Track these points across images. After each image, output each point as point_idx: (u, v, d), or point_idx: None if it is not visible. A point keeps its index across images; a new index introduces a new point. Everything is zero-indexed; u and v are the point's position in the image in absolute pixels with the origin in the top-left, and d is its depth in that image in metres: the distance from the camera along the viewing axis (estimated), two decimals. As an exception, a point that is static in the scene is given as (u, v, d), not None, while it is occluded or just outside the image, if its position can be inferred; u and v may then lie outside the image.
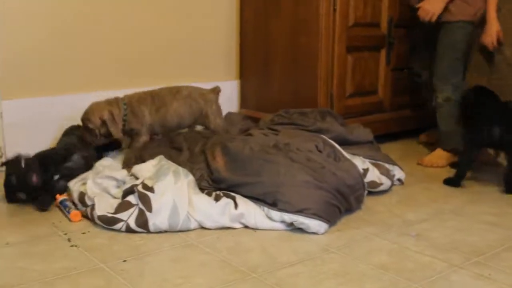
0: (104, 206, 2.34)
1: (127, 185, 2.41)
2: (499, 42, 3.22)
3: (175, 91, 3.04)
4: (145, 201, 2.29)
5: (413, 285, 1.91)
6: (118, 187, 2.49)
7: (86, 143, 2.85)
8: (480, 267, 2.05)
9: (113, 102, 2.89)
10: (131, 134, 2.96)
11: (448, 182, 2.94)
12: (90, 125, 2.82)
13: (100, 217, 2.30)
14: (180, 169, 2.49)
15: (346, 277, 1.95)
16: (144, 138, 2.96)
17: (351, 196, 2.50)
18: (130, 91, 3.30)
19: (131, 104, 2.92)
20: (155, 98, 2.98)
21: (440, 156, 3.25)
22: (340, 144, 2.80)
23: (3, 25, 2.95)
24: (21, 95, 3.05)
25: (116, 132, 2.85)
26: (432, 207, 2.64)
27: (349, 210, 2.52)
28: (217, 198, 2.38)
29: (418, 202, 2.71)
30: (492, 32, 3.19)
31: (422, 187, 2.92)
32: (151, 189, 2.32)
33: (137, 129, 2.93)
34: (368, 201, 2.67)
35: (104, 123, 2.82)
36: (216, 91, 3.16)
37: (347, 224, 2.42)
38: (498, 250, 2.20)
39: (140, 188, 2.33)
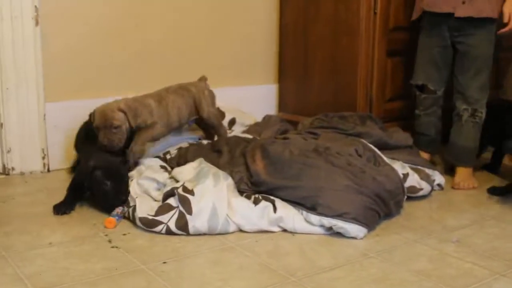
0: (145, 208, 2.36)
1: (168, 188, 2.43)
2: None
3: (165, 88, 3.00)
4: (185, 203, 2.31)
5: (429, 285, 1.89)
6: (159, 189, 2.52)
7: (112, 148, 2.67)
8: (524, 275, 2.02)
9: (114, 101, 2.77)
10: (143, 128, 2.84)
11: (494, 191, 2.85)
12: (116, 122, 2.66)
13: (141, 219, 2.32)
14: (220, 172, 2.51)
15: (386, 283, 1.94)
16: (158, 126, 2.85)
17: (390, 201, 2.48)
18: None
19: (135, 99, 2.83)
20: (153, 95, 2.92)
21: (469, 175, 3.03)
22: (380, 149, 2.78)
23: (47, 26, 3.00)
24: (64, 98, 3.10)
25: (134, 121, 2.73)
26: (473, 213, 2.60)
27: (389, 215, 2.50)
28: (256, 201, 2.38)
29: (459, 207, 2.67)
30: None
31: (462, 192, 2.89)
32: (191, 192, 2.35)
33: (150, 121, 2.81)
34: (408, 206, 2.65)
35: (125, 113, 2.69)
36: (203, 79, 3.15)
37: (386, 229, 2.40)
38: (542, 258, 2.16)
39: (180, 190, 2.35)
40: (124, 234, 2.29)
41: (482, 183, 3.01)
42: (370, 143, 2.80)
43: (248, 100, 3.65)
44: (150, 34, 3.32)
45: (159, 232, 2.29)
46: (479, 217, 2.56)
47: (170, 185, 2.47)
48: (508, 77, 3.34)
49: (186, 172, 2.53)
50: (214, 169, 2.52)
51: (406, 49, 3.34)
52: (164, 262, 2.05)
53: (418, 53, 3.09)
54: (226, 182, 2.44)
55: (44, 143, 3.07)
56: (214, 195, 2.35)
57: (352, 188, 2.38)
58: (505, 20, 2.87)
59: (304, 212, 2.35)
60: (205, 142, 3.08)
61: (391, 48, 3.33)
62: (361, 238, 2.29)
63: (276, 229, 2.34)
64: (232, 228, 2.33)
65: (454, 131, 3.06)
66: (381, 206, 2.43)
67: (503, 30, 2.90)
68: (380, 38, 3.27)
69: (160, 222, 2.30)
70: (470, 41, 2.93)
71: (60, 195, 2.58)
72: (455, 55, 3.01)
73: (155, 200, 2.45)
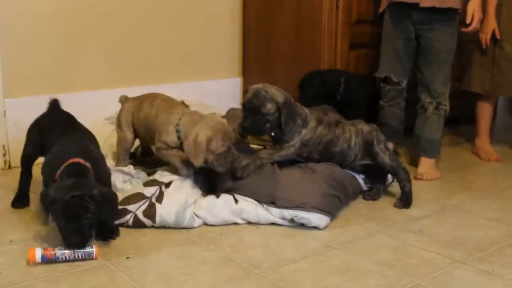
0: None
1: (140, 178, 2.45)
2: (495, 39, 3.22)
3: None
4: (160, 194, 2.33)
5: (416, 281, 1.92)
6: (125, 181, 2.49)
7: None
8: (483, 263, 2.05)
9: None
10: None
11: None
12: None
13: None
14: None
15: (349, 274, 1.96)
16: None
17: (349, 186, 2.52)
18: (131, 89, 3.29)
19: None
20: None
21: (432, 166, 3.07)
22: None
23: (5, 24, 2.95)
24: (24, 94, 3.05)
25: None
26: (435, 203, 2.63)
27: (350, 197, 2.54)
28: (217, 196, 2.39)
29: (421, 198, 2.70)
30: (487, 30, 3.20)
31: (425, 183, 2.92)
32: (168, 185, 2.37)
33: None
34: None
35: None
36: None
37: (349, 220, 2.42)
38: (501, 246, 2.20)
39: (163, 187, 2.37)
40: (87, 230, 2.26)
41: (444, 174, 3.05)
42: None
43: (212, 94, 3.64)
44: (112, 29, 3.29)
45: (125, 224, 2.27)
46: (441, 208, 2.60)
47: (137, 176, 2.48)
48: (471, 69, 3.39)
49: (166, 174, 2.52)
50: None
51: (369, 42, 3.37)
52: (128, 257, 2.04)
53: (382, 45, 3.12)
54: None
55: (5, 139, 3.03)
56: (188, 193, 2.37)
57: (306, 178, 2.40)
58: (468, 20, 2.94)
59: (265, 205, 2.35)
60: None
61: (354, 41, 3.35)
62: (324, 228, 2.31)
63: (239, 220, 2.35)
64: (197, 223, 2.33)
65: (419, 124, 3.09)
66: (340, 189, 2.45)
67: (466, 30, 2.97)
68: (342, 31, 3.28)
69: (128, 211, 2.29)
70: (434, 35, 2.97)
71: (21, 192, 2.54)
72: (419, 49, 3.05)
73: (122, 192, 2.43)
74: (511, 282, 1.92)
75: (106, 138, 2.95)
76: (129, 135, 2.62)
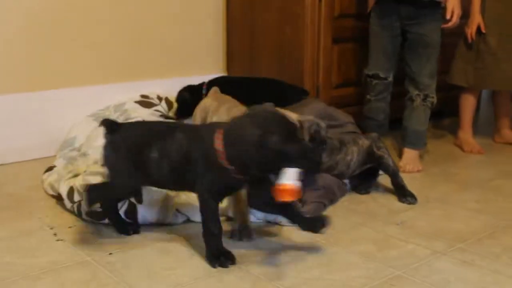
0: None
1: None
2: (480, 33, 3.26)
3: None
4: (137, 193, 2.31)
5: (396, 272, 1.93)
6: None
7: None
8: (463, 254, 2.07)
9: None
10: None
11: None
12: None
13: (88, 212, 2.30)
14: None
15: (331, 266, 1.97)
16: None
17: (335, 187, 2.53)
18: (115, 86, 3.32)
19: None
20: None
21: (416, 158, 3.11)
22: (324, 117, 2.81)
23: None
24: (3, 91, 3.04)
25: None
26: (418, 195, 2.64)
27: (335, 201, 2.55)
28: None
29: (404, 191, 2.72)
30: (472, 24, 3.24)
31: (407, 175, 2.92)
32: None
33: None
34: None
35: None
36: None
37: (332, 213, 2.42)
38: (481, 236, 2.22)
39: None
40: (70, 227, 2.27)
41: (427, 166, 3.08)
42: (315, 113, 2.83)
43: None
44: (94, 25, 3.28)
45: (108, 223, 2.27)
46: (423, 200, 2.61)
47: None
48: (455, 62, 3.42)
49: None
50: None
51: (352, 36, 3.39)
52: (110, 253, 2.04)
53: (370, 43, 3.14)
54: None
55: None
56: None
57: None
58: (448, 15, 2.97)
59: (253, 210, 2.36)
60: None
61: (337, 35, 3.36)
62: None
63: (223, 217, 2.35)
64: (181, 219, 2.33)
65: (407, 115, 3.15)
66: (327, 196, 2.47)
67: (446, 25, 3.00)
68: (325, 26, 3.30)
69: (108, 214, 2.29)
70: (421, 30, 3.00)
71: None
72: (405, 43, 3.08)
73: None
74: (489, 272, 1.94)
75: (89, 136, 2.96)
76: None
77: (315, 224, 2.04)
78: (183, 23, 3.62)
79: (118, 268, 1.94)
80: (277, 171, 1.85)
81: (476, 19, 3.25)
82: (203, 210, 1.98)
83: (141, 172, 2.02)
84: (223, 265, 1.95)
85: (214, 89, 2.85)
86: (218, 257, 1.96)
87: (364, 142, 2.65)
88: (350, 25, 3.40)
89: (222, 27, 3.78)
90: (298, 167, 1.84)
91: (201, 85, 3.21)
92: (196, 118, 2.68)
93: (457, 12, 2.98)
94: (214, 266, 1.95)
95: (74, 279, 1.86)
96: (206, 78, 3.28)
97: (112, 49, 3.36)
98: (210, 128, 2.00)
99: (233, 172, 1.89)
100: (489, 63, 3.29)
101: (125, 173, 2.05)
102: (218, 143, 1.89)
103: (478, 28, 3.26)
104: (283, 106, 2.37)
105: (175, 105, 3.29)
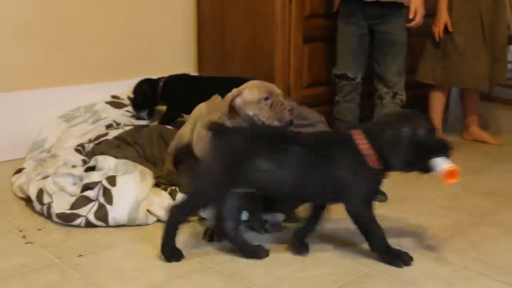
0: (62, 204, 2.32)
1: (86, 180, 2.40)
2: (447, 32, 3.30)
3: None
4: (106, 194, 2.31)
5: (367, 269, 1.95)
6: (75, 184, 2.47)
7: None
8: (433, 250, 2.09)
9: None
10: None
11: None
12: None
13: (58, 215, 2.28)
14: (147, 170, 2.52)
15: (302, 265, 1.98)
16: None
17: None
18: (85, 87, 3.29)
19: None
20: None
21: None
22: (296, 118, 2.83)
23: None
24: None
25: None
26: (389, 193, 2.66)
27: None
28: (172, 193, 2.40)
29: (375, 188, 2.74)
30: (440, 23, 3.27)
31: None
32: (113, 183, 2.34)
33: None
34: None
35: None
36: None
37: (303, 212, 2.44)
38: (450, 233, 2.25)
39: (105, 182, 2.34)
40: (39, 229, 2.25)
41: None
42: None
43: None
44: (63, 25, 3.24)
45: (78, 225, 2.25)
46: (395, 197, 2.63)
47: (87, 177, 2.44)
48: (422, 60, 3.46)
49: (110, 160, 2.51)
50: (141, 166, 2.53)
51: (323, 35, 3.39)
52: (80, 255, 2.03)
53: (338, 43, 3.16)
54: (152, 180, 2.46)
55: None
56: (138, 189, 2.35)
57: None
58: (411, 15, 3.01)
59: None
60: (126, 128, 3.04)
61: (307, 35, 3.37)
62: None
63: (194, 217, 2.34)
64: (151, 220, 2.32)
65: (377, 114, 3.16)
66: None
67: (410, 25, 3.04)
68: (296, 25, 3.30)
69: (79, 215, 2.27)
70: (387, 28, 3.03)
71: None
72: (373, 42, 3.10)
73: (72, 196, 2.40)
74: (459, 268, 1.96)
75: (59, 137, 2.93)
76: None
77: None
78: (154, 24, 3.60)
79: (88, 270, 1.92)
80: (421, 165, 1.96)
81: (443, 17, 3.28)
82: (364, 222, 1.99)
83: (241, 179, 1.92)
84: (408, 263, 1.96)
85: (214, 97, 2.75)
86: (399, 255, 1.98)
87: None
88: (320, 24, 3.40)
89: (193, 26, 3.76)
90: (440, 156, 1.93)
91: (159, 79, 3.23)
92: (190, 121, 2.56)
93: (421, 12, 3.02)
94: (400, 266, 1.96)
95: (43, 282, 1.84)
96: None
97: (82, 50, 3.33)
98: (344, 134, 1.99)
99: (381, 173, 1.94)
100: (456, 62, 3.33)
101: (220, 181, 1.93)
102: (365, 147, 1.90)
103: (446, 27, 3.30)
104: None
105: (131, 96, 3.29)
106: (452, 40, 3.32)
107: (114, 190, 2.32)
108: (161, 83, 3.20)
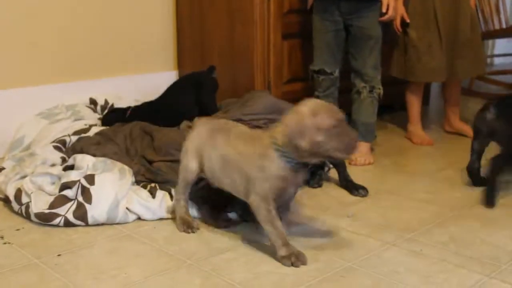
0: (40, 204, 2.30)
1: (65, 179, 2.38)
2: (404, 24, 3.31)
3: None
4: (85, 193, 2.29)
5: (347, 264, 1.95)
6: (53, 183, 2.45)
7: None
8: (412, 244, 2.10)
9: None
10: None
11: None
12: None
13: (36, 215, 2.26)
14: (126, 167, 2.51)
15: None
16: None
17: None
18: (64, 85, 3.27)
19: None
20: None
21: (367, 151, 3.13)
22: (272, 112, 2.83)
23: None
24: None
25: None
26: (369, 188, 2.67)
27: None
28: (152, 191, 2.38)
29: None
30: (396, 16, 3.27)
31: (359, 168, 2.97)
32: (92, 182, 2.32)
33: None
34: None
35: None
36: None
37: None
38: (429, 227, 2.25)
39: (83, 181, 2.32)
40: (18, 230, 2.23)
41: (378, 158, 3.12)
42: (264, 107, 2.87)
43: (147, 87, 3.60)
44: (42, 24, 3.22)
45: (57, 225, 2.24)
46: (374, 192, 2.64)
47: (66, 176, 2.42)
48: (392, 54, 3.46)
49: (88, 158, 2.49)
50: (120, 164, 2.52)
51: (302, 31, 3.40)
52: (59, 255, 2.01)
53: (314, 39, 3.17)
54: (132, 178, 2.46)
55: None
56: (118, 187, 2.34)
57: None
58: (384, 9, 3.04)
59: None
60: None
61: (286, 31, 3.37)
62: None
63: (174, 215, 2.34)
64: (131, 218, 2.31)
65: (355, 109, 3.17)
66: None
67: (383, 19, 3.06)
68: (275, 22, 3.30)
69: (57, 215, 2.25)
70: (362, 23, 3.05)
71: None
72: (349, 37, 3.11)
73: (50, 195, 2.38)
74: (437, 260, 1.97)
75: (38, 134, 2.91)
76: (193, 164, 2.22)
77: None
78: (133, 22, 3.59)
79: (67, 269, 1.91)
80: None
81: (399, 10, 3.26)
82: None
83: None
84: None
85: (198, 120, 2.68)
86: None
87: None
88: (299, 20, 3.41)
89: (172, 24, 3.75)
90: None
91: (126, 109, 3.12)
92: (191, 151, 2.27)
93: (393, 5, 3.05)
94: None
95: (21, 283, 1.83)
96: (157, 76, 3.25)
97: (61, 48, 3.30)
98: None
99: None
100: (412, 56, 3.35)
101: None
102: None
103: (405, 21, 3.31)
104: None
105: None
106: (407, 34, 3.34)
107: (92, 189, 2.30)
108: (128, 113, 3.09)
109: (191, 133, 2.26)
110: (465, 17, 3.36)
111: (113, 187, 2.33)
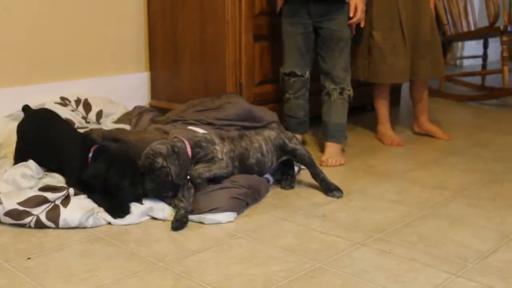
0: (10, 202, 2.25)
1: (53, 182, 2.38)
2: (371, 27, 3.34)
3: None
4: (66, 200, 2.30)
5: (317, 264, 1.97)
6: (24, 177, 2.43)
7: None
8: (382, 243, 2.13)
9: None
10: None
11: None
12: None
13: (8, 212, 2.23)
14: None
15: (253, 261, 1.99)
16: None
17: (261, 185, 2.55)
18: (34, 87, 3.25)
19: None
20: None
21: (338, 152, 3.16)
22: (246, 120, 2.86)
23: None
24: None
25: None
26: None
27: (259, 199, 2.57)
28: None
29: (326, 184, 2.77)
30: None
31: (330, 169, 2.99)
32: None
33: None
34: (277, 185, 2.73)
35: None
36: None
37: (255, 209, 2.46)
38: (398, 226, 2.28)
39: (71, 191, 2.34)
40: (-14, 233, 2.21)
41: (349, 159, 3.14)
42: (236, 113, 2.91)
43: (118, 89, 3.60)
44: (11, 24, 3.19)
45: (27, 225, 2.22)
46: (345, 192, 2.66)
47: (54, 177, 2.43)
48: (354, 57, 3.47)
49: None
50: None
51: (272, 33, 3.42)
52: (29, 258, 2.00)
53: (284, 42, 3.19)
54: None
55: None
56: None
57: (223, 188, 2.41)
58: (351, 13, 3.07)
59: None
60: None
61: (257, 33, 3.39)
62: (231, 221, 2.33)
63: (146, 218, 2.34)
64: (102, 223, 2.30)
65: (326, 110, 3.19)
66: (251, 195, 2.47)
67: (351, 22, 3.09)
68: (246, 23, 3.32)
69: (30, 214, 2.23)
70: (332, 25, 3.08)
71: None
72: (318, 39, 3.14)
73: (26, 189, 2.36)
74: (405, 260, 2.00)
75: (7, 136, 2.89)
76: None
77: None
78: (103, 22, 3.57)
79: (37, 272, 1.90)
80: None
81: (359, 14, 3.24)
82: None
83: None
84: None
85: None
86: None
87: (270, 133, 2.67)
88: (271, 22, 3.43)
89: (143, 25, 3.75)
90: None
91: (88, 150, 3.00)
92: None
93: (361, 7, 3.07)
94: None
95: (-10, 286, 1.81)
96: (129, 77, 3.23)
97: (31, 49, 3.28)
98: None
99: None
100: (377, 57, 3.39)
101: None
102: None
103: (370, 23, 3.34)
104: None
105: None
106: (371, 36, 3.37)
107: (74, 198, 2.31)
108: (90, 154, 3.00)
109: None
110: (426, 18, 3.41)
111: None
